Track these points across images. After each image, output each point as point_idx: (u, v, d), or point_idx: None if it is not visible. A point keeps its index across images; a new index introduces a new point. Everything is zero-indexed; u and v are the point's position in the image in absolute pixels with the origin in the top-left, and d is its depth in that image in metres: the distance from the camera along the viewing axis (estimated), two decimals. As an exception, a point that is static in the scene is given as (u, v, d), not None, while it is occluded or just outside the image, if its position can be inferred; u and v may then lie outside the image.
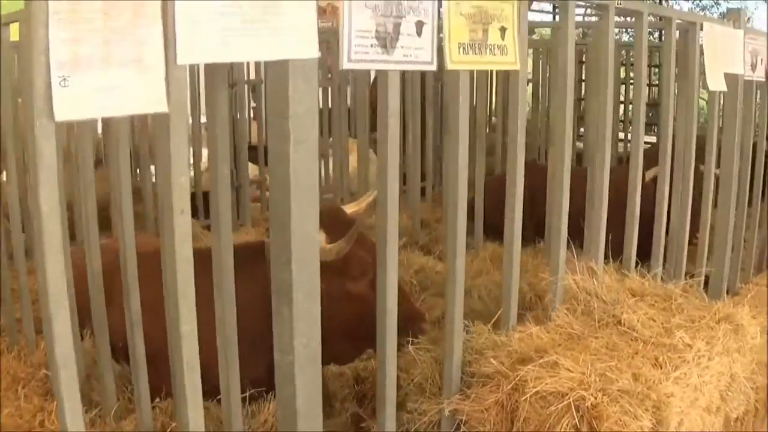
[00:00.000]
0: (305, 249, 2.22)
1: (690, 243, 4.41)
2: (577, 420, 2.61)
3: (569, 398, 2.64)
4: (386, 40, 2.39)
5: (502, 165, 7.08)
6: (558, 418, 2.63)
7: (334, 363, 3.65)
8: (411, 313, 3.44)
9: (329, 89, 7.31)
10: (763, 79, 4.95)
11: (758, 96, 5.07)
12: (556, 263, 3.36)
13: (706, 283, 4.49)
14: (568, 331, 3.17)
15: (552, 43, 8.37)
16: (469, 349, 3.08)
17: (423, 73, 6.66)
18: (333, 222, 3.35)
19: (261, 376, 3.13)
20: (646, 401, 2.68)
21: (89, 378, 3.49)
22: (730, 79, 4.44)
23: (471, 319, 3.19)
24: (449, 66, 2.68)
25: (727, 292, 4.76)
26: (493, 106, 9.36)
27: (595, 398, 2.64)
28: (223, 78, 2.44)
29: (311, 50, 2.14)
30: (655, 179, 4.31)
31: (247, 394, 3.02)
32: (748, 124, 4.97)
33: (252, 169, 7.29)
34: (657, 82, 10.69)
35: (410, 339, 3.31)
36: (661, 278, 3.85)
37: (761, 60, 4.88)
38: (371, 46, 2.35)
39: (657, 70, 10.06)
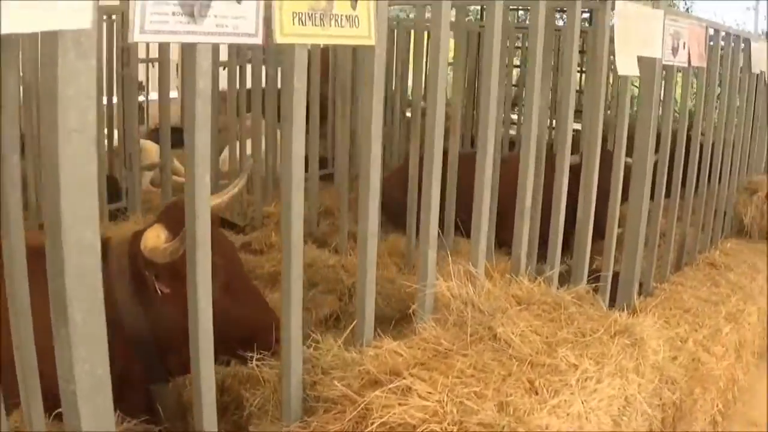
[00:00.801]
0: (81, 258, 1.75)
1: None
2: (425, 460, 2.14)
3: (419, 432, 2.17)
4: (193, 8, 1.88)
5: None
6: (403, 457, 2.17)
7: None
8: (261, 322, 2.97)
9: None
10: (686, 64, 4.52)
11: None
12: (424, 267, 2.88)
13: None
14: (434, 346, 2.68)
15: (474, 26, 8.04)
16: (316, 368, 2.60)
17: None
18: (181, 218, 2.91)
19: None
20: (512, 437, 2.22)
21: None
22: (647, 63, 4.01)
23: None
24: (279, 39, 2.17)
25: (640, 293, 4.35)
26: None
27: (449, 434, 2.17)
28: (15, 56, 2.01)
29: (84, 20, 1.62)
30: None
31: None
32: (668, 111, 4.55)
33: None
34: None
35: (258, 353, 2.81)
36: (565, 279, 3.43)
37: (683, 43, 4.45)
38: (172, 14, 1.85)
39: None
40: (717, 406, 3.94)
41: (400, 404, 2.28)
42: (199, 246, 2.13)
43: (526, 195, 3.27)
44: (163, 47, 6.34)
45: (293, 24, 2.21)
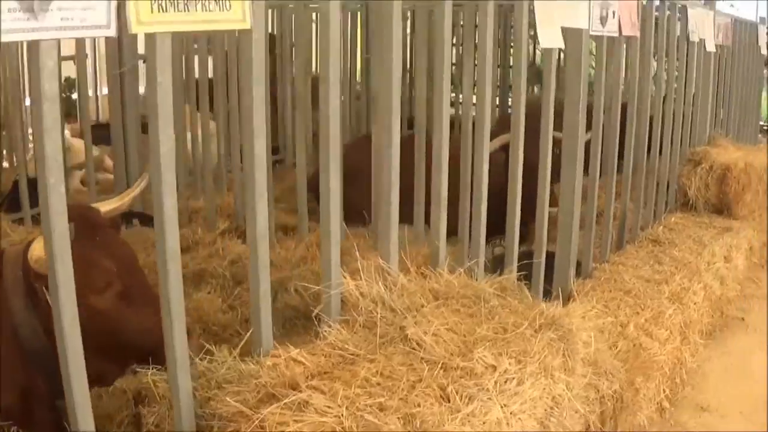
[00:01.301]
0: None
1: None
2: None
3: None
4: (32, 3, 1.64)
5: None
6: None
7: (98, 384, 2.92)
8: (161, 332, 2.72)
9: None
10: (616, 34, 4.29)
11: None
12: (326, 265, 2.61)
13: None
14: (340, 352, 2.42)
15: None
16: (210, 382, 2.35)
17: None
18: (80, 224, 2.64)
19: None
20: (420, 453, 1.98)
21: None
22: (573, 34, 3.78)
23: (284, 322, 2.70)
24: (135, 28, 1.89)
25: (579, 275, 4.13)
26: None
27: (348, 452, 1.92)
28: None
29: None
30: (504, 148, 3.76)
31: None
32: (598, 84, 4.32)
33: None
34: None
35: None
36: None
37: (613, 12, 4.22)
38: (9, 11, 1.61)
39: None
40: (664, 392, 3.73)
41: (295, 421, 2.03)
42: (58, 263, 1.84)
43: (442, 182, 3.00)
44: (79, 43, 6.05)
45: (152, 11, 1.93)
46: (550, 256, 3.97)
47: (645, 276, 4.23)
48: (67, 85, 8.30)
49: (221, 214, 5.69)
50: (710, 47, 6.11)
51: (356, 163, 4.97)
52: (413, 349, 2.42)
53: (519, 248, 3.62)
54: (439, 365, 2.33)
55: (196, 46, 5.94)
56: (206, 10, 2.08)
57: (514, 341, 2.51)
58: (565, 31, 3.85)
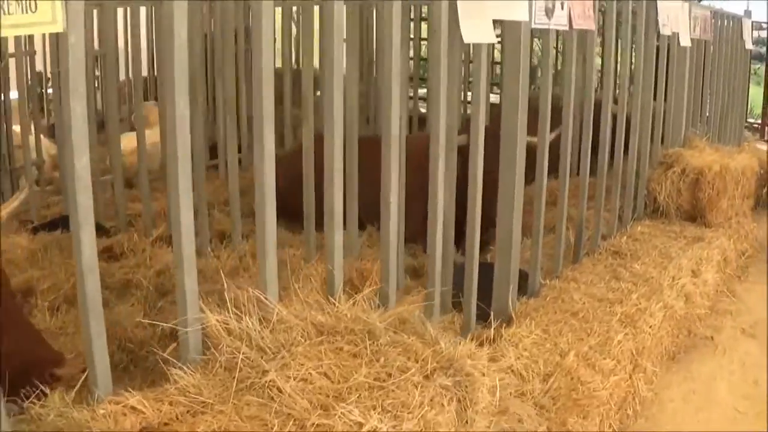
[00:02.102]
0: None
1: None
2: None
3: None
4: None
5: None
6: None
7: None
8: (29, 356, 2.60)
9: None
10: (564, 28, 3.88)
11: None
12: (181, 296, 2.21)
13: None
14: (190, 400, 2.03)
15: None
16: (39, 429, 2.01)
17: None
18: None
19: None
20: None
21: None
22: (511, 28, 3.38)
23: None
24: None
25: (524, 293, 3.74)
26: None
27: None
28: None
29: None
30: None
31: None
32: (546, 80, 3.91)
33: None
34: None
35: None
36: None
37: (562, 4, 3.81)
38: None
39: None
40: (610, 427, 3.32)
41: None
42: None
43: (334, 194, 2.59)
44: (17, 40, 5.83)
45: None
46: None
47: (598, 295, 3.82)
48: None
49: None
50: (685, 42, 5.69)
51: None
52: (270, 399, 2.02)
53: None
54: (293, 421, 1.93)
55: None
56: (5, 13, 1.70)
57: (395, 391, 2.11)
58: (503, 25, 3.47)
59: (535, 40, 6.06)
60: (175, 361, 2.24)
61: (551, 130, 3.88)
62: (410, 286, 3.99)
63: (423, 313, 3.12)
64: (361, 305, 2.58)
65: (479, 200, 3.31)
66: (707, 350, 4.38)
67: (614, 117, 4.70)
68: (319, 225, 4.82)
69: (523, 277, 3.87)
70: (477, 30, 3.08)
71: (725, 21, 7.07)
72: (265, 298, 2.41)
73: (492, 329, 3.29)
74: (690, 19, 5.85)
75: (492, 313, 3.49)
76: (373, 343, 2.32)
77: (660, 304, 3.87)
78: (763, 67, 11.69)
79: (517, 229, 3.53)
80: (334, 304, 2.53)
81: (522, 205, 3.58)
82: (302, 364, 2.15)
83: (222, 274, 2.95)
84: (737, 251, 5.35)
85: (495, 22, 3.29)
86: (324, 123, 2.56)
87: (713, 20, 6.54)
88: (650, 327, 3.67)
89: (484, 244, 3.80)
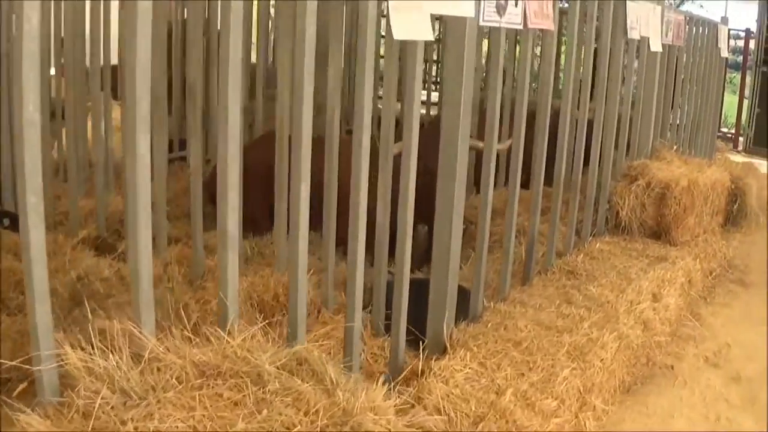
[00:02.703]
0: None
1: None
2: None
3: None
4: None
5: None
6: None
7: None
8: None
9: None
10: (519, 26, 3.53)
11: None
12: (34, 328, 1.84)
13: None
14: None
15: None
16: None
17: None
18: None
19: None
20: None
21: None
22: (455, 24, 3.03)
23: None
24: None
25: (465, 317, 3.40)
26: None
27: None
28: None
29: None
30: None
31: None
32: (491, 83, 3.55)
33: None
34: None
35: None
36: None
37: (516, 2, 3.45)
38: None
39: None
40: (550, 474, 2.97)
41: None
42: None
43: (228, 214, 2.22)
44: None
45: None
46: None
47: (546, 322, 3.47)
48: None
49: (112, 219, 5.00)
50: (655, 46, 5.36)
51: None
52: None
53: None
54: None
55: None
56: None
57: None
58: (446, 21, 3.11)
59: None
60: (22, 406, 1.88)
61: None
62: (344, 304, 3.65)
63: (348, 338, 2.78)
64: (258, 340, 2.22)
65: (411, 208, 2.96)
66: (666, 381, 4.02)
67: (576, 123, 4.36)
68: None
69: (466, 296, 3.53)
70: (410, 25, 2.71)
71: (701, 27, 6.75)
72: (139, 331, 2.03)
73: (421, 361, 2.94)
74: (662, 24, 5.53)
75: (424, 341, 3.15)
76: (260, 389, 1.96)
77: (614, 333, 3.52)
78: (739, 76, 11.45)
79: (456, 243, 3.17)
80: (222, 340, 2.16)
81: (462, 216, 3.23)
82: (169, 414, 1.80)
83: (86, 302, 2.57)
84: (704, 271, 5.01)
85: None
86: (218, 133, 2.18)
87: (687, 26, 6.22)
88: (602, 360, 3.32)
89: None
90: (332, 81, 3.29)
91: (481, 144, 3.62)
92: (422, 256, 4.63)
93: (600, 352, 3.33)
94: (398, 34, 2.66)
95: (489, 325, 3.39)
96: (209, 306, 3.32)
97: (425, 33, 2.80)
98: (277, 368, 2.04)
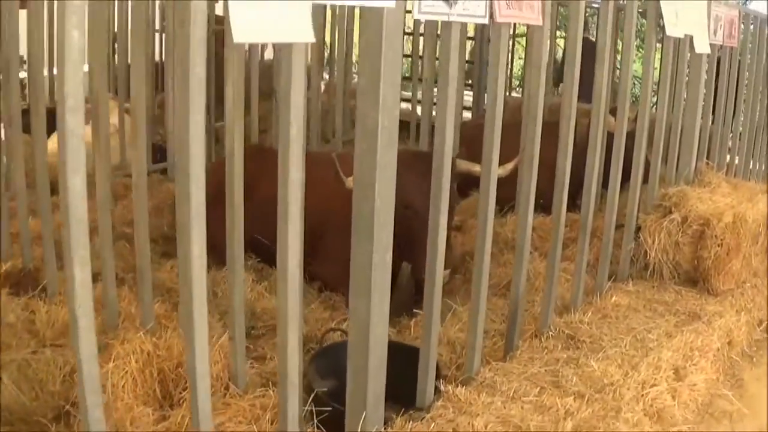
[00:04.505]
0: None
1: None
2: None
3: None
4: None
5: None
6: None
7: None
8: None
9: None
10: (483, 20, 2.64)
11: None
12: None
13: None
14: None
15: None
16: None
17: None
18: None
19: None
20: None
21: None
22: (371, 16, 2.17)
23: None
24: None
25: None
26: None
27: None
28: None
29: None
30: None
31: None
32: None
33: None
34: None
35: None
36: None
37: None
38: None
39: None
40: None
41: None
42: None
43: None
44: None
45: None
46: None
47: (515, 419, 2.56)
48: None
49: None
50: (701, 48, 4.37)
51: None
52: None
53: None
54: None
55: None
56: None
57: None
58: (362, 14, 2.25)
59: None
60: None
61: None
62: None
63: None
64: None
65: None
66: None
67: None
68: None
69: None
70: (260, 25, 1.86)
71: (757, 24, 5.71)
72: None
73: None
74: (710, 20, 4.53)
75: None
76: None
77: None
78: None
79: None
80: None
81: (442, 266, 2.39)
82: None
83: None
84: (750, 324, 3.99)
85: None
86: None
87: (743, 23, 5.19)
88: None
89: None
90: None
91: (477, 167, 2.81)
92: (408, 302, 3.79)
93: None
94: (238, 37, 1.79)
95: (433, 425, 2.49)
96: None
97: (305, 35, 1.93)
98: None
